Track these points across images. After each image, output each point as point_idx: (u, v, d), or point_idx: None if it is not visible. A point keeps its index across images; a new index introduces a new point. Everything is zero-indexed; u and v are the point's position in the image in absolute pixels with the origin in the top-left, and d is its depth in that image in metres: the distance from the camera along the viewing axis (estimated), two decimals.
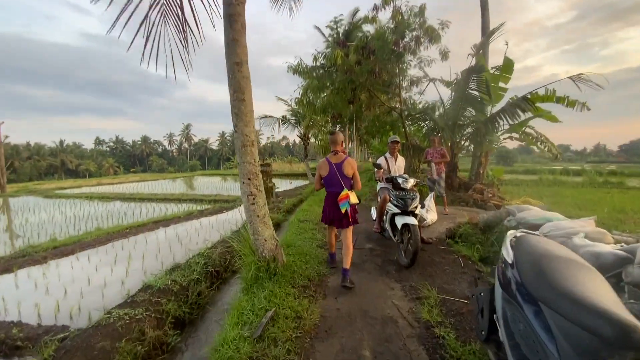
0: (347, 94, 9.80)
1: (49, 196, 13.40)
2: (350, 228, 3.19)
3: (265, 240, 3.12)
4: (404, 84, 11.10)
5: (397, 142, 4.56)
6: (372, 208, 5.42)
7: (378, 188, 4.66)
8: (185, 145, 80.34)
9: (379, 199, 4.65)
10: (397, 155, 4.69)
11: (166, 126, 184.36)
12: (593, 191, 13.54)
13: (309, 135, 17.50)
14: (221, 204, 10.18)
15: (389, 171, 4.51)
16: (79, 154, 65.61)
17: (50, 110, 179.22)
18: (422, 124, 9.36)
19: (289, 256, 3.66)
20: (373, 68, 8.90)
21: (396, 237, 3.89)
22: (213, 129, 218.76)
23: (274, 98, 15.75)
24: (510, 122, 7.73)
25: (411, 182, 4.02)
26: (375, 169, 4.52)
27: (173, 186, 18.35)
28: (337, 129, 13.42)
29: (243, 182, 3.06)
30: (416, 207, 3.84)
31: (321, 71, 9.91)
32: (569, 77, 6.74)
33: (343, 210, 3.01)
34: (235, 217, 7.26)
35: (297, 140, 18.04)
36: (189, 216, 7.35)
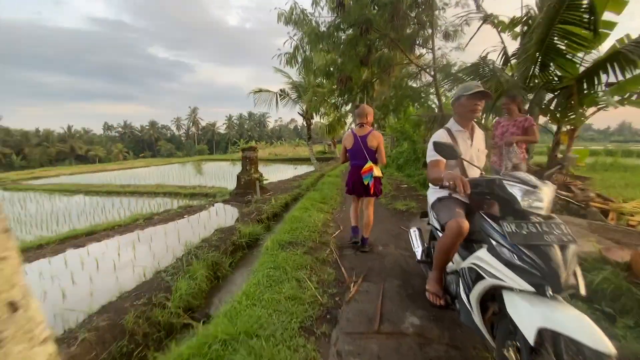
0: (360, 48, 7.01)
1: (7, 189, 11.61)
2: (372, 200, 3.17)
3: None
4: (438, 35, 8.14)
5: (486, 94, 1.92)
6: (410, 232, 2.78)
7: (433, 199, 2.12)
8: (193, 129, 78.79)
9: (432, 222, 2.15)
10: (473, 127, 2.13)
11: (177, 110, 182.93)
12: None
13: (312, 113, 14.78)
14: (199, 199, 8.18)
15: (462, 163, 1.97)
16: (88, 139, 65.05)
17: (64, 96, 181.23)
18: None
19: None
20: (397, 3, 6.04)
21: (503, 347, 1.41)
22: (221, 112, 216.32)
23: (279, 77, 12.95)
24: (618, 78, 4.91)
25: (548, 192, 1.46)
26: (429, 158, 1.96)
27: (168, 174, 16.27)
28: (347, 102, 10.74)
29: None
30: (575, 274, 1.33)
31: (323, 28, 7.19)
32: None
33: (366, 183, 2.99)
34: (200, 222, 4.95)
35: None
36: (132, 224, 5.09)
